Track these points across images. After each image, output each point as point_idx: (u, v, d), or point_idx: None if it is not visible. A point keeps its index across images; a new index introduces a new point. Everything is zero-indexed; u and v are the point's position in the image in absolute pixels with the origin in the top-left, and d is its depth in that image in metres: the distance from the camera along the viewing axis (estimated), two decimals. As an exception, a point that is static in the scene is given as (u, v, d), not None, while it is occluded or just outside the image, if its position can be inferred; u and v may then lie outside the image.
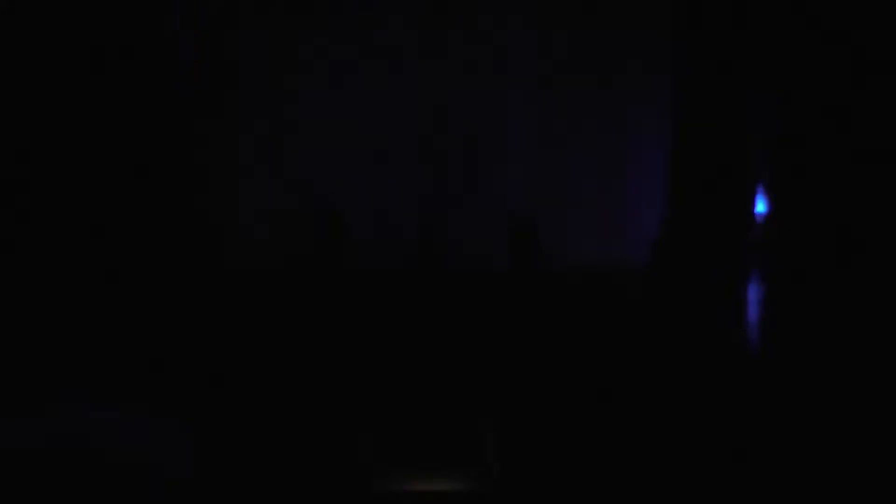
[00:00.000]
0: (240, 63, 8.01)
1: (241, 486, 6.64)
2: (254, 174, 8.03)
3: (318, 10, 8.05)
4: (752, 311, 7.66)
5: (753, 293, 7.68)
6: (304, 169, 8.05)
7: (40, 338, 7.39)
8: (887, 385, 7.16)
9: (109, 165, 7.70)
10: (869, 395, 7.12)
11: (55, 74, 7.64)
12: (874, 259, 7.48)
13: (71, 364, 7.31)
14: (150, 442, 6.50)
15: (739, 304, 7.70)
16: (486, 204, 8.10)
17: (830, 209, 7.58)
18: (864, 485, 6.57)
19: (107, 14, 7.68)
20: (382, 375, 7.56)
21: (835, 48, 7.60)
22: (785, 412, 7.14)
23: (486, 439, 7.08)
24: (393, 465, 6.96)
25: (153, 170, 7.77)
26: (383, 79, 8.07)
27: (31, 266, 7.54)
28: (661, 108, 8.11)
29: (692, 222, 7.85)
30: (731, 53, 7.81)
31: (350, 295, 7.78)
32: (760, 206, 7.76)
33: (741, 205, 7.79)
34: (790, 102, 7.73)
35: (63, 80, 7.65)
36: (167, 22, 7.80)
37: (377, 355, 7.63)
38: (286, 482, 6.70)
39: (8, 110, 7.60)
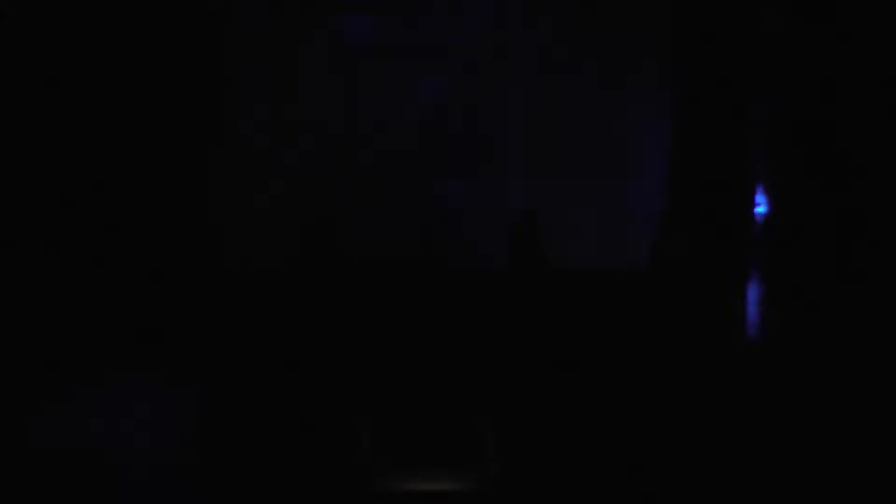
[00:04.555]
0: (240, 62, 8.01)
1: (242, 486, 6.64)
2: (254, 174, 8.02)
3: (317, 10, 8.05)
4: (752, 311, 7.66)
5: (753, 293, 7.68)
6: (303, 169, 8.05)
7: (41, 336, 7.39)
8: (887, 384, 7.16)
9: (110, 166, 7.70)
10: (869, 395, 7.12)
11: (56, 77, 7.64)
12: (874, 259, 7.48)
13: (71, 362, 7.31)
14: (151, 441, 6.50)
15: (739, 304, 7.69)
16: (486, 204, 8.10)
17: (830, 209, 7.58)
18: (863, 484, 6.57)
19: (109, 16, 7.69)
20: (382, 375, 7.55)
21: (835, 48, 7.60)
22: (785, 412, 7.14)
23: (486, 439, 7.08)
24: (393, 465, 6.95)
25: (153, 170, 7.77)
26: (383, 79, 8.07)
27: (33, 266, 7.54)
28: (661, 108, 8.11)
29: (692, 223, 7.85)
30: (732, 54, 7.81)
31: (349, 295, 7.78)
32: (760, 206, 7.76)
33: (741, 205, 7.79)
34: (790, 102, 7.72)
35: (64, 82, 7.65)
36: (169, 22, 7.80)
37: (377, 355, 7.63)
38: (286, 481, 6.70)
39: (12, 112, 7.60)
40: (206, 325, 7.59)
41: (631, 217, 8.10)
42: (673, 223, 7.92)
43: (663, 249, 7.89)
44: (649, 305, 7.78)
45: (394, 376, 7.57)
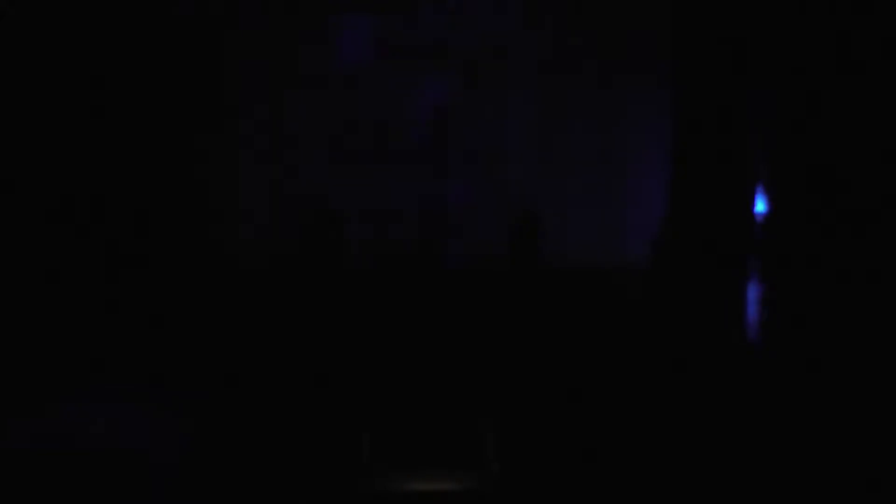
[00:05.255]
0: (240, 62, 8.01)
1: (242, 486, 6.64)
2: (253, 175, 8.02)
3: (318, 10, 8.05)
4: (752, 311, 7.66)
5: (753, 293, 7.69)
6: (303, 169, 8.05)
7: (40, 337, 7.39)
8: (886, 384, 7.16)
9: (110, 166, 7.70)
10: (868, 394, 7.12)
11: (56, 74, 7.64)
12: (873, 258, 7.48)
13: (71, 363, 7.31)
14: (152, 442, 6.50)
15: (739, 304, 7.70)
16: (486, 203, 8.10)
17: (830, 209, 7.58)
18: (863, 484, 6.57)
19: (109, 16, 7.69)
20: (382, 375, 7.56)
21: (835, 47, 7.60)
22: (785, 411, 7.14)
23: (486, 439, 7.08)
24: (393, 465, 6.96)
25: (153, 170, 7.77)
26: (384, 79, 8.07)
27: (32, 266, 7.54)
28: (661, 107, 8.11)
29: (692, 222, 7.85)
30: (731, 52, 7.81)
31: (349, 295, 7.78)
32: (760, 206, 7.76)
33: (741, 205, 7.79)
34: (790, 101, 7.72)
35: (64, 81, 7.65)
36: (169, 22, 7.80)
37: (377, 355, 7.63)
38: (286, 481, 6.71)
39: (11, 113, 7.60)
40: (205, 325, 7.59)
41: (631, 217, 8.10)
42: (673, 223, 7.92)
43: (663, 249, 7.89)
44: (649, 305, 7.78)
45: (394, 376, 7.57)
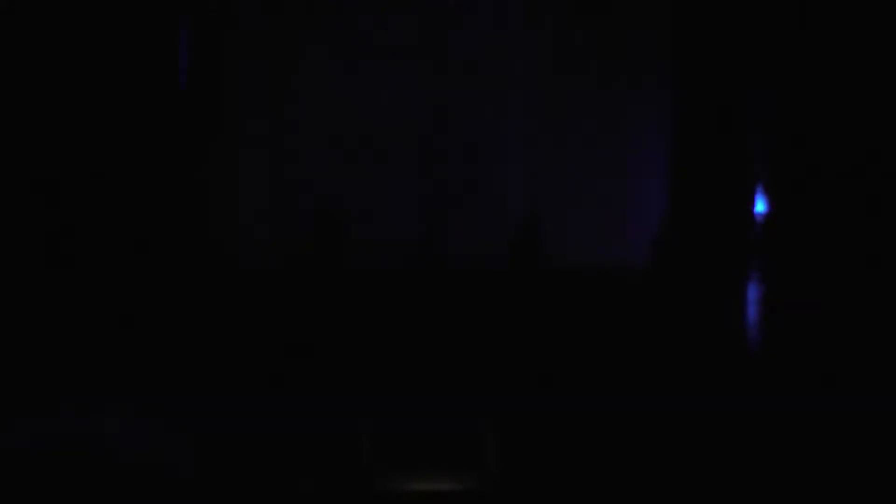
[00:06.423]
0: (239, 62, 8.01)
1: (242, 487, 6.65)
2: (254, 174, 8.02)
3: (318, 11, 8.05)
4: (752, 311, 7.66)
5: (753, 293, 7.68)
6: (303, 169, 8.05)
7: (41, 339, 7.39)
8: (887, 384, 7.16)
9: (108, 166, 7.70)
10: (868, 394, 7.12)
11: (54, 76, 7.64)
12: (874, 258, 7.48)
13: (72, 365, 7.31)
14: (152, 443, 6.51)
15: (739, 304, 7.69)
16: (486, 204, 8.10)
17: (831, 209, 7.58)
18: (864, 484, 6.57)
19: (107, 16, 7.69)
20: (382, 375, 7.56)
21: (835, 47, 7.60)
22: (785, 412, 7.14)
23: (486, 439, 7.09)
24: (393, 465, 6.96)
25: (152, 170, 7.77)
26: (383, 79, 8.07)
27: (32, 266, 7.54)
28: (661, 108, 8.11)
29: (692, 222, 7.86)
30: (732, 53, 7.81)
31: (350, 295, 7.79)
32: (760, 206, 7.76)
33: (741, 205, 7.79)
34: (790, 101, 7.72)
35: (62, 81, 7.65)
36: (166, 22, 7.80)
37: (377, 355, 7.63)
38: (286, 482, 6.71)
39: (8, 112, 7.60)
40: (205, 325, 7.59)
41: (631, 217, 8.10)
42: (673, 223, 7.93)
43: (663, 249, 7.89)
44: (649, 305, 7.78)
45: (394, 376, 7.57)
